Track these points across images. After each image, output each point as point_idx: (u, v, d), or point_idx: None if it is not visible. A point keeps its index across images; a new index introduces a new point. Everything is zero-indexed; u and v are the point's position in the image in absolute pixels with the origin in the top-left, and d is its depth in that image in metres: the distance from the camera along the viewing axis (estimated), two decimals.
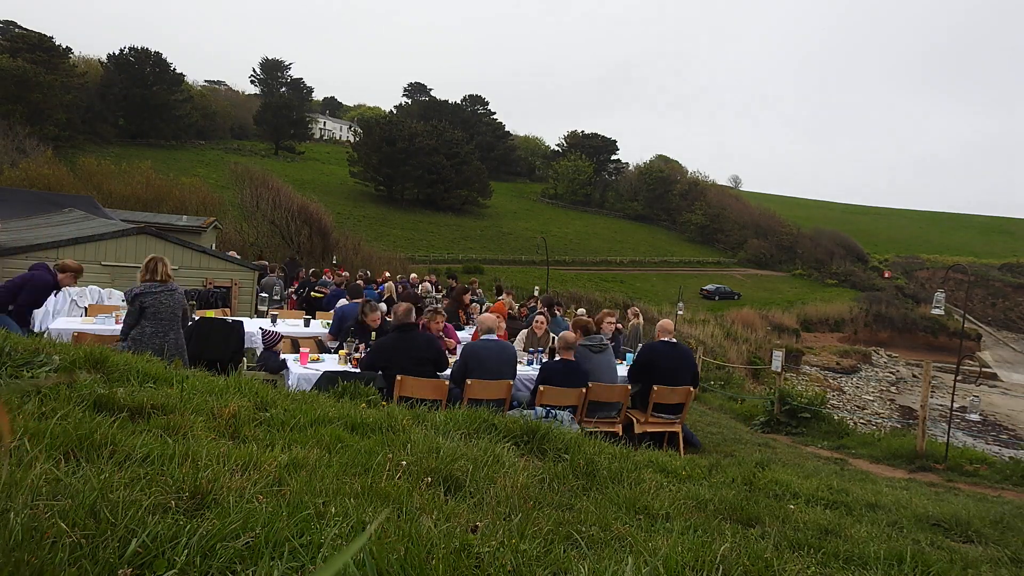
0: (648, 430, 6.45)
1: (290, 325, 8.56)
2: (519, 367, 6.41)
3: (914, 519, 3.52)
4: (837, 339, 46.22)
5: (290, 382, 5.63)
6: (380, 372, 5.43)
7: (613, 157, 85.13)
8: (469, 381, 5.50)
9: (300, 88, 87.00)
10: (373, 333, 6.81)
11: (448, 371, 5.86)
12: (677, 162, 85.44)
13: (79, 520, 1.55)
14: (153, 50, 57.66)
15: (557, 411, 5.41)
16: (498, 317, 6.55)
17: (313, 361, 6.12)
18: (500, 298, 12.72)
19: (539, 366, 6.69)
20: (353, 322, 7.03)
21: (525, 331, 8.46)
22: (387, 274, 17.43)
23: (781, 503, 3.31)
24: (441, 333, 7.00)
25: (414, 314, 6.20)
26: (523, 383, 6.34)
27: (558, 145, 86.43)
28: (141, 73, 56.34)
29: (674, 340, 6.77)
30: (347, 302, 8.57)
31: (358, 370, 5.65)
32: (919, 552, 2.65)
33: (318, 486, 2.13)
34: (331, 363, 6.13)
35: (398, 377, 5.25)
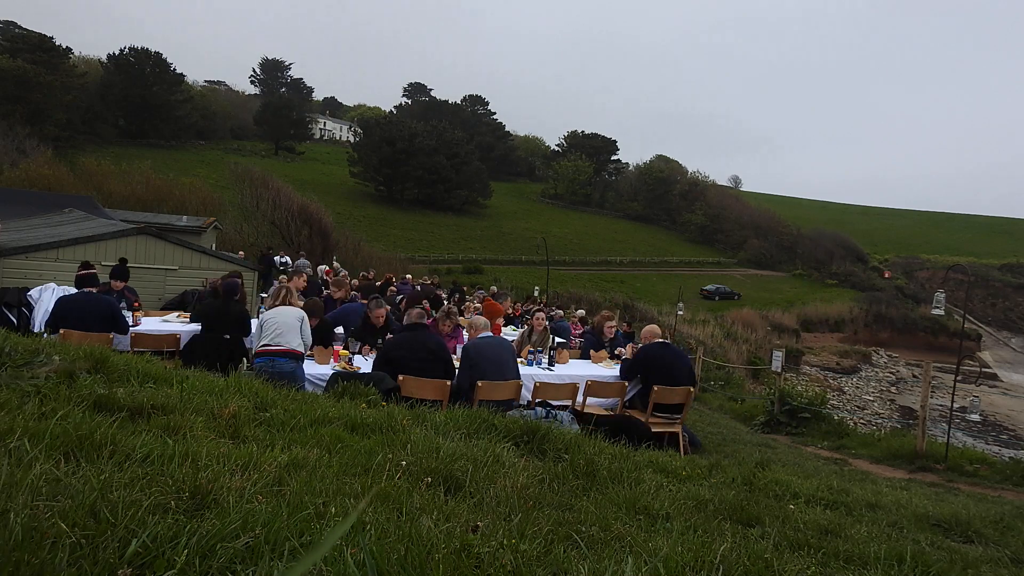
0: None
1: None
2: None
3: (914, 519, 3.51)
4: (837, 339, 46.17)
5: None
6: (389, 373, 5.39)
7: (613, 157, 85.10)
8: (480, 383, 5.39)
9: (300, 88, 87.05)
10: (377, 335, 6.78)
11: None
12: (677, 162, 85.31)
13: (79, 520, 1.54)
14: (153, 50, 57.66)
15: (557, 411, 5.40)
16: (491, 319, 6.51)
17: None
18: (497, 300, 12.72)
19: (539, 366, 6.69)
20: (357, 322, 6.97)
21: (521, 331, 8.38)
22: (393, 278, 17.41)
23: (781, 503, 3.31)
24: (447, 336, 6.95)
25: (426, 317, 6.18)
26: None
27: (558, 145, 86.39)
28: (141, 73, 56.31)
29: (666, 341, 6.80)
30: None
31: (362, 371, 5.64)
32: (919, 552, 2.65)
33: (318, 486, 2.13)
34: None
35: (400, 377, 5.23)
